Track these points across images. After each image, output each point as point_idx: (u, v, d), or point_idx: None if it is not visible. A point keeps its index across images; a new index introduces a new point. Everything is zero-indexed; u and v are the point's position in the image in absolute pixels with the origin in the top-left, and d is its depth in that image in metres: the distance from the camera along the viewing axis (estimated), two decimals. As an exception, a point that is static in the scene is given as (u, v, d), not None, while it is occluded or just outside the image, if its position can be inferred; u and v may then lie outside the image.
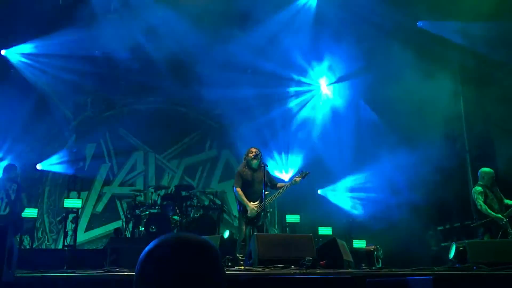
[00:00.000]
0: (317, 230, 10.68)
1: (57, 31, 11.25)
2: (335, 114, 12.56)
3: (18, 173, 8.72)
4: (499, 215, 7.38)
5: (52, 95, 12.56)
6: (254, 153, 7.76)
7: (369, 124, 11.76)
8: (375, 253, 7.80)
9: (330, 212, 11.64)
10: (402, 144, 10.81)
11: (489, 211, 7.43)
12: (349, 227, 11.33)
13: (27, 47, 11.86)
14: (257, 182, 7.67)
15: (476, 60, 10.67)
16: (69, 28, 11.00)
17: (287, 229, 11.03)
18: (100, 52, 12.06)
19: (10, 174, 8.38)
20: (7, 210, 7.98)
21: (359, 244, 10.39)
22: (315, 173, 9.03)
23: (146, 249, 1.47)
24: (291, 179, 9.03)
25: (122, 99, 13.38)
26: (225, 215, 11.83)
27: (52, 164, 12.23)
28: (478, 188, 7.70)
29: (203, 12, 11.00)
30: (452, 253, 6.66)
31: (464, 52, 10.86)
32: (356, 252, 8.34)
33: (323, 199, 12.06)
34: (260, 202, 7.56)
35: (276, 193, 7.83)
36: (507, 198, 7.82)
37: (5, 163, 10.10)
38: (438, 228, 11.20)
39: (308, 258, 5.40)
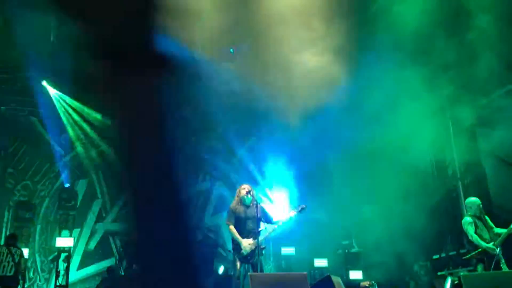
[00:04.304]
0: (313, 262, 10.60)
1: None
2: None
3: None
4: (490, 245, 7.36)
5: (43, 132, 12.57)
6: (246, 189, 7.71)
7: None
8: (370, 289, 7.75)
9: (325, 243, 11.56)
10: (393, 173, 10.81)
11: (480, 241, 7.41)
12: (345, 258, 11.25)
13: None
14: (250, 218, 7.58)
15: (464, 84, 10.69)
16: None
17: (283, 262, 10.94)
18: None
19: (15, 241, 9.45)
20: (13, 271, 8.90)
21: (355, 275, 10.33)
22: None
23: None
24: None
25: (114, 134, 13.39)
26: (219, 250, 11.72)
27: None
28: (468, 219, 7.68)
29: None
30: (447, 287, 6.61)
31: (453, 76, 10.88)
32: (351, 286, 8.28)
33: (318, 229, 11.98)
34: (254, 239, 7.47)
35: (270, 229, 7.75)
36: (499, 225, 7.80)
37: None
38: (434, 257, 11.14)
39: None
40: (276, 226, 7.68)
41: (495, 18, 8.56)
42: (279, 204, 11.88)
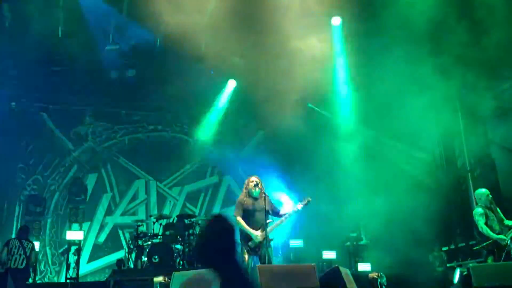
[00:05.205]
0: (321, 254, 10.59)
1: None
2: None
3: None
4: (501, 236, 7.30)
5: (53, 126, 12.66)
6: (255, 182, 7.69)
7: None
8: (378, 280, 7.71)
9: (334, 236, 11.52)
10: (402, 165, 10.77)
11: (490, 232, 7.35)
12: (353, 250, 11.22)
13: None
14: (258, 211, 7.56)
15: (475, 74, 10.53)
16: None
17: (291, 254, 10.94)
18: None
19: (26, 234, 9.59)
20: (24, 264, 8.99)
21: (364, 267, 10.31)
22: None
23: None
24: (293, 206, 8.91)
25: (123, 128, 13.45)
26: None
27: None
28: (479, 210, 7.61)
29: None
30: (456, 278, 6.57)
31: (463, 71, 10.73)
32: (359, 278, 8.24)
33: (326, 222, 11.95)
34: (262, 231, 7.46)
35: (278, 221, 7.74)
36: (510, 218, 7.74)
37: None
38: (443, 249, 11.07)
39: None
40: (283, 218, 7.67)
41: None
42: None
